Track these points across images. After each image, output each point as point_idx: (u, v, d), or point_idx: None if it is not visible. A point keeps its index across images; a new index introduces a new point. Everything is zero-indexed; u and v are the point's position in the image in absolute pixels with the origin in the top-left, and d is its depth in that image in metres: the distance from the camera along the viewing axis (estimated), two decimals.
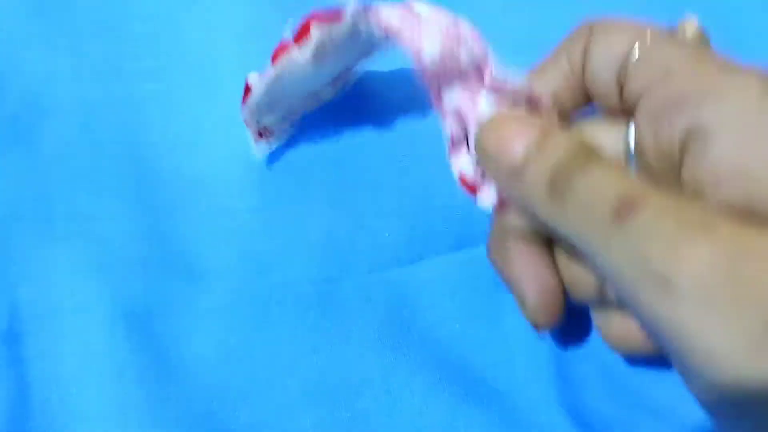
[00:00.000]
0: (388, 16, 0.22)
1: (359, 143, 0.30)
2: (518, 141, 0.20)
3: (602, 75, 0.22)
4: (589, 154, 0.20)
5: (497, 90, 0.22)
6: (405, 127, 0.30)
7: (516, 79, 0.22)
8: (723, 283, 0.16)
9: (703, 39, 0.23)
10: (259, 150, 0.28)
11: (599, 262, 0.19)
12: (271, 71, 0.24)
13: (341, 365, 0.27)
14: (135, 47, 0.31)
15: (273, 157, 0.29)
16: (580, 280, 0.23)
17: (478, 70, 0.22)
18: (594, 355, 0.27)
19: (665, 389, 0.25)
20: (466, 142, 0.24)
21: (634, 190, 0.18)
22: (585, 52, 0.22)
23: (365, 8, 0.22)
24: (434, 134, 0.27)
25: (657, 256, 0.17)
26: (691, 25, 0.23)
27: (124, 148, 0.29)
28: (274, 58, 0.24)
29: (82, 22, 0.31)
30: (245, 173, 0.29)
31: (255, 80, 0.25)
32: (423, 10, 0.22)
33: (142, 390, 0.26)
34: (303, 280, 0.28)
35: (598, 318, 0.24)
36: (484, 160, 0.22)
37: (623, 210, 0.18)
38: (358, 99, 0.30)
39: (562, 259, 0.24)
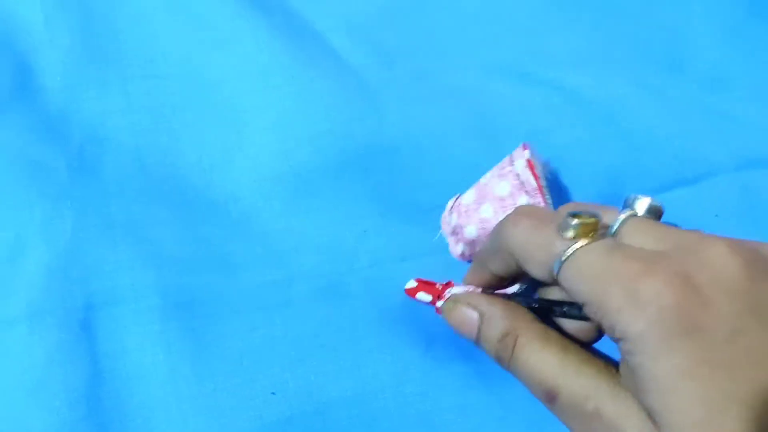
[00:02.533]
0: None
1: (366, 166, 0.37)
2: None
3: None
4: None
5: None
6: (405, 148, 0.38)
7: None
8: None
9: (657, 212, 0.24)
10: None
11: None
12: None
13: (351, 340, 0.34)
14: (173, 85, 0.38)
15: (293, 173, 0.36)
16: None
17: None
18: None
19: None
20: None
21: (553, 380, 0.24)
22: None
23: None
24: (428, 153, 0.36)
25: None
26: (644, 202, 0.24)
27: (167, 169, 0.37)
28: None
29: (129, 64, 0.39)
30: (269, 188, 0.36)
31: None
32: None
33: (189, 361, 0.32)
34: (316, 272, 0.35)
35: None
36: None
37: (549, 397, 0.24)
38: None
39: None
